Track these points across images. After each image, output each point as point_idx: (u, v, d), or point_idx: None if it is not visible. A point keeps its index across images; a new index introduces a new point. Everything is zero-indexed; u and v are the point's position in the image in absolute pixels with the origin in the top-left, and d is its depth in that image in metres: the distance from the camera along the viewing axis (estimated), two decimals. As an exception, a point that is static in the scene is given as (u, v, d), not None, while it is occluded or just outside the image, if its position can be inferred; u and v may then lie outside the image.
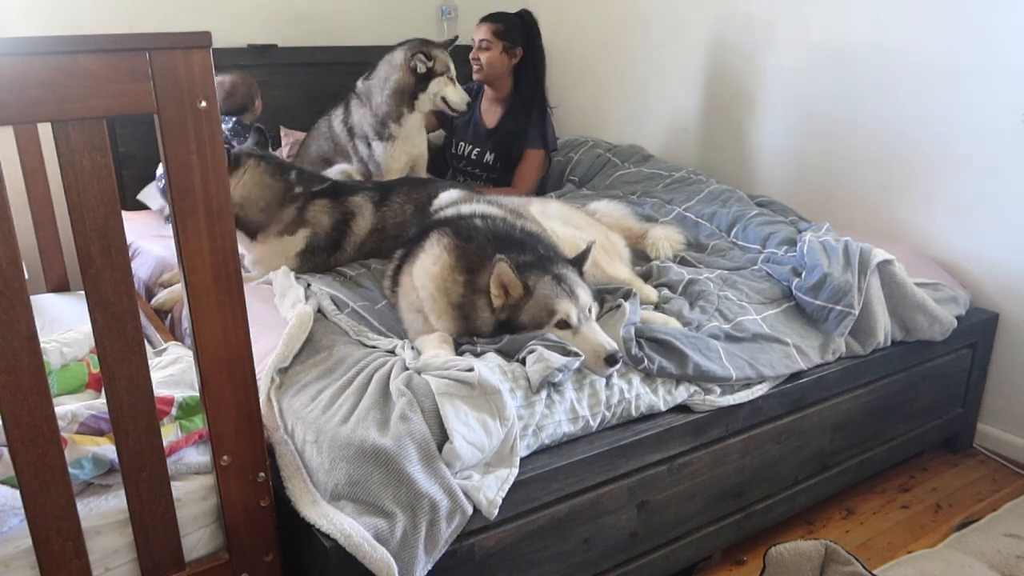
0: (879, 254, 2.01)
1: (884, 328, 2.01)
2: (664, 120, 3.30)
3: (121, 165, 2.93)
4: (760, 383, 1.80)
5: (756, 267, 2.17)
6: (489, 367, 1.50)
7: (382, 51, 3.42)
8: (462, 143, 3.13)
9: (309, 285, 1.95)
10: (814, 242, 2.07)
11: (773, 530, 2.01)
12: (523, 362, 1.56)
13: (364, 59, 3.38)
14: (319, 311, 1.86)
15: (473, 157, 3.09)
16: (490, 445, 1.42)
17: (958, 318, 2.19)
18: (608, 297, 1.82)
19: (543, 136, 3.02)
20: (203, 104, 1.10)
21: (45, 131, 2.10)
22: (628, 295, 1.80)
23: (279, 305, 1.90)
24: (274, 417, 1.54)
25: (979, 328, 2.29)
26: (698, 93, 3.15)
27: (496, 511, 1.38)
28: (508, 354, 1.58)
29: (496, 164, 3.04)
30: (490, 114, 3.09)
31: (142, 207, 2.96)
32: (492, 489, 1.39)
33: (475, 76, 3.01)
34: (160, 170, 2.82)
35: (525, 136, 3.00)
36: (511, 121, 3.01)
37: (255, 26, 3.19)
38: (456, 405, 1.42)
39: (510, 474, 1.43)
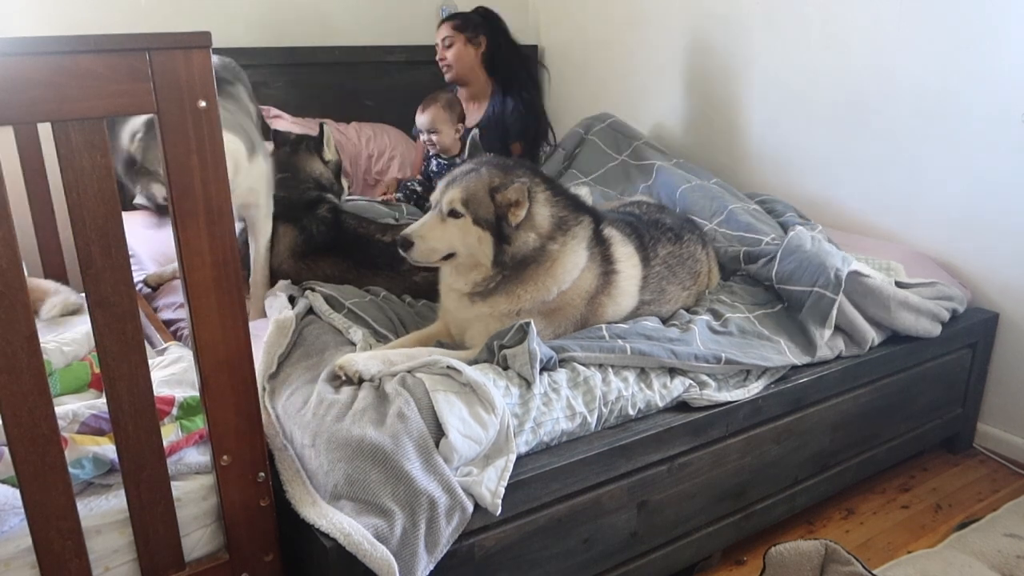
0: (846, 266, 1.96)
1: (872, 336, 2.01)
2: (664, 120, 3.30)
3: (121, 165, 2.93)
4: (756, 380, 1.80)
5: (741, 270, 2.17)
6: (479, 369, 1.53)
7: (382, 51, 3.43)
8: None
9: (303, 293, 1.96)
10: (794, 237, 2.08)
11: (773, 530, 2.01)
12: (504, 363, 1.57)
13: (364, 59, 3.40)
14: (312, 311, 1.87)
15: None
16: (487, 437, 1.42)
17: (958, 318, 2.20)
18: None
19: (524, 130, 3.05)
20: (203, 104, 1.10)
21: (45, 131, 2.10)
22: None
23: (268, 307, 1.92)
24: (271, 423, 1.54)
25: (979, 328, 2.29)
26: (699, 93, 3.15)
27: (500, 503, 1.38)
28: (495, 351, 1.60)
29: None
30: (468, 114, 3.09)
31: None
32: (493, 480, 1.40)
33: (447, 77, 3.03)
34: None
35: (510, 128, 3.01)
36: (497, 113, 3.02)
37: (255, 26, 3.19)
38: (450, 400, 1.43)
39: (508, 461, 1.43)
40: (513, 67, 3.11)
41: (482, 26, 3.04)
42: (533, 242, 1.64)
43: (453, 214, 1.63)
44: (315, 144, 2.33)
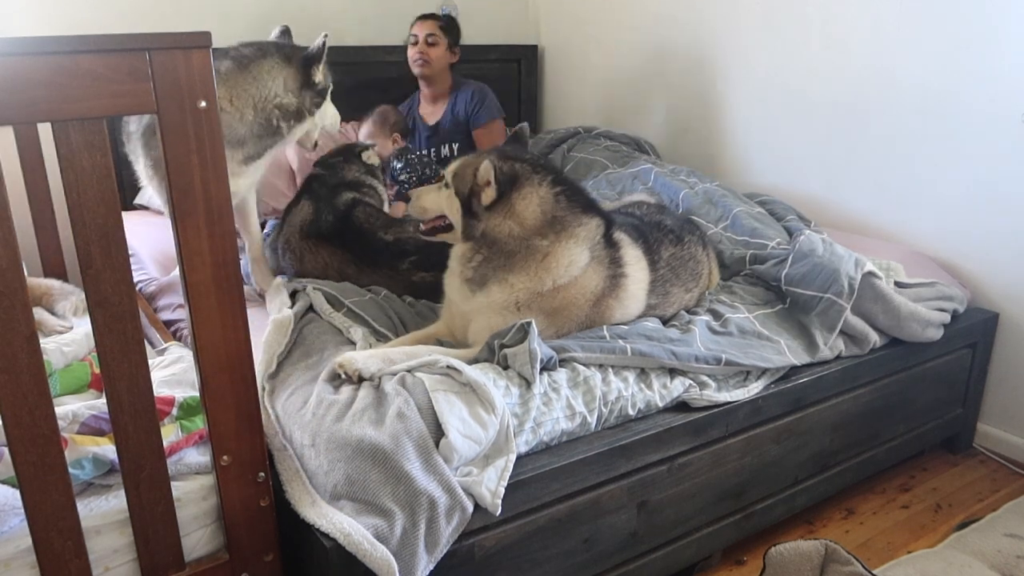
0: (859, 270, 1.98)
1: (874, 338, 2.01)
2: (664, 120, 3.30)
3: (121, 165, 2.93)
4: (756, 380, 1.80)
5: (746, 271, 2.17)
6: (480, 369, 1.53)
7: (382, 51, 3.43)
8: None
9: (304, 288, 1.97)
10: (806, 241, 2.08)
11: (773, 530, 2.01)
12: (504, 363, 1.57)
13: (364, 59, 3.39)
14: (311, 309, 1.87)
15: (432, 157, 3.12)
16: (487, 437, 1.42)
17: (958, 318, 2.20)
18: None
19: (491, 108, 3.10)
20: (203, 104, 1.10)
21: (45, 131, 2.10)
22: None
23: (269, 302, 1.93)
24: (271, 423, 1.54)
25: (979, 328, 2.29)
26: (698, 93, 3.15)
27: (500, 503, 1.38)
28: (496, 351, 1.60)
29: (458, 153, 3.09)
30: (432, 114, 3.15)
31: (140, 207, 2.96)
32: (493, 480, 1.40)
33: (420, 70, 3.07)
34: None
35: (478, 115, 3.08)
36: (461, 109, 3.08)
37: (255, 26, 3.19)
38: (450, 400, 1.43)
39: (508, 461, 1.43)
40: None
41: (458, 39, 3.11)
42: (511, 230, 1.65)
43: (446, 184, 1.74)
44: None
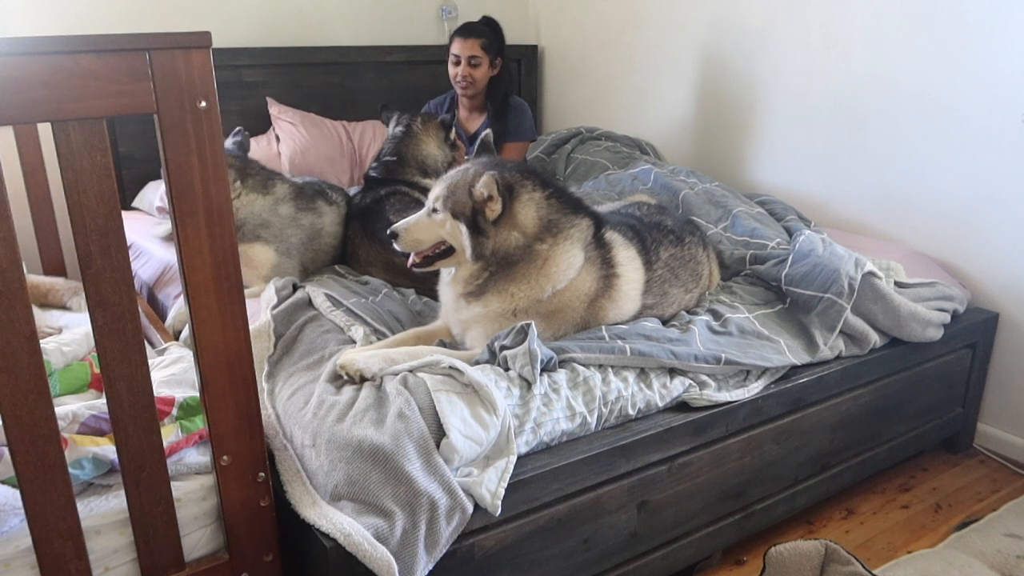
0: (859, 270, 1.98)
1: (874, 338, 2.01)
2: (663, 120, 3.30)
3: (121, 165, 2.94)
4: (756, 380, 1.80)
5: (747, 271, 2.17)
6: (481, 370, 1.53)
7: (382, 51, 3.44)
8: None
9: (299, 287, 1.98)
10: (806, 241, 2.08)
11: (773, 530, 2.01)
12: (505, 364, 1.57)
13: (363, 59, 3.40)
14: (310, 302, 1.87)
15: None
16: (488, 438, 1.43)
17: (958, 318, 2.20)
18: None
19: (518, 129, 3.08)
20: (203, 104, 1.10)
21: (45, 131, 2.10)
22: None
23: (260, 300, 1.99)
24: (271, 423, 1.54)
25: (979, 328, 2.29)
26: (698, 93, 3.15)
27: (499, 503, 1.38)
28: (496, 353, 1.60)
29: None
30: (470, 121, 3.14)
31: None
32: (493, 481, 1.40)
33: (464, 92, 3.01)
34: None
35: (509, 132, 3.06)
36: (496, 124, 3.05)
37: (255, 26, 3.19)
38: (452, 400, 1.43)
39: (508, 463, 1.43)
40: (510, 84, 3.16)
41: (498, 46, 2.99)
42: (516, 240, 1.66)
43: (435, 210, 1.71)
44: (424, 127, 2.55)
